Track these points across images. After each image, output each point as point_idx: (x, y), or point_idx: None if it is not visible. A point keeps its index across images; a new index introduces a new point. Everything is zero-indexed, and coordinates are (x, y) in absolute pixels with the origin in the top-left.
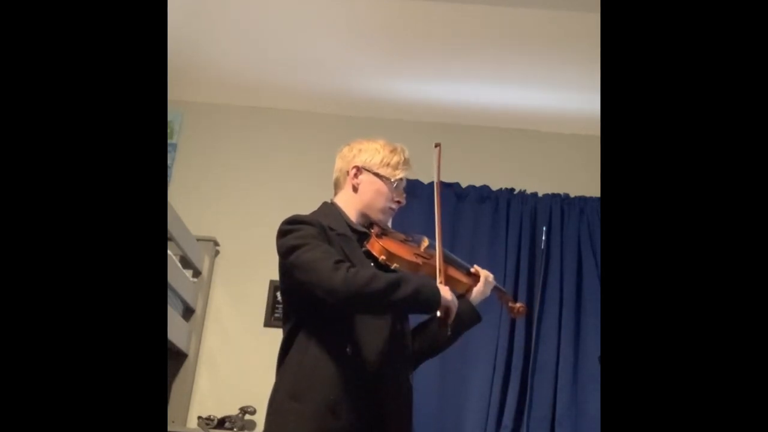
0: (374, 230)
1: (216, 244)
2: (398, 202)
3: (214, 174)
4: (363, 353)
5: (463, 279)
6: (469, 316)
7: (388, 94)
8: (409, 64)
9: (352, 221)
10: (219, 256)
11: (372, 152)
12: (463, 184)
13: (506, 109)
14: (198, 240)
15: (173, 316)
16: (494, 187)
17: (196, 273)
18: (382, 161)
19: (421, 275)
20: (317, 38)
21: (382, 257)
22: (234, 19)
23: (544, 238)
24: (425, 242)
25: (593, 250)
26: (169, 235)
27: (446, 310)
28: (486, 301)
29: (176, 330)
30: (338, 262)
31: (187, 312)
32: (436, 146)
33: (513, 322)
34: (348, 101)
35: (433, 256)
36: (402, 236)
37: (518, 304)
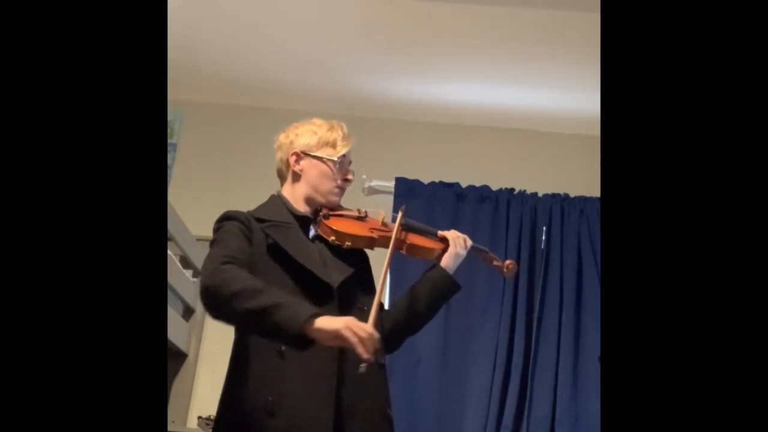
0: (322, 212)
1: None
2: (346, 179)
3: (214, 174)
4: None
5: (433, 245)
6: (444, 285)
7: (388, 94)
8: (409, 64)
9: (295, 209)
10: None
11: (309, 135)
12: (463, 184)
13: (506, 109)
14: (198, 240)
15: (173, 316)
16: (494, 187)
17: (196, 273)
18: (320, 141)
19: (378, 248)
20: (317, 38)
21: (332, 238)
22: (234, 19)
23: (544, 238)
24: (382, 214)
25: (593, 250)
26: (169, 235)
27: (346, 344)
28: (485, 301)
29: (176, 330)
30: (225, 257)
31: (187, 312)
32: (400, 210)
33: (513, 323)
34: (348, 101)
35: (391, 228)
36: (355, 213)
37: (507, 262)
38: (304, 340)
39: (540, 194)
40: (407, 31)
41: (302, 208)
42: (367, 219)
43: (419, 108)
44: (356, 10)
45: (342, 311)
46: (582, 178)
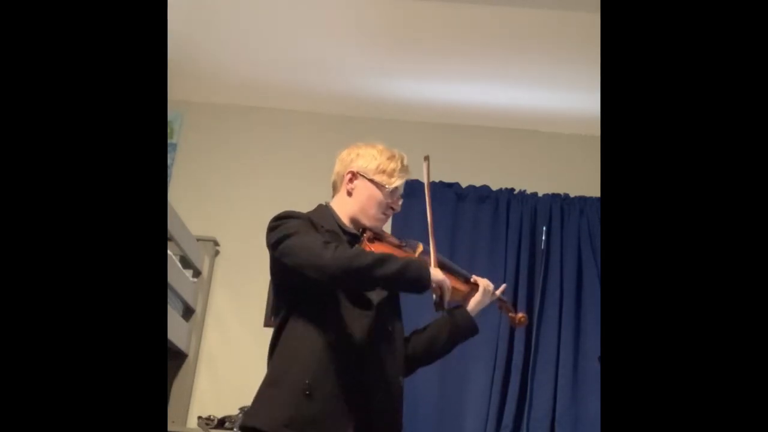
0: (366, 234)
1: (216, 244)
2: (392, 208)
3: (214, 174)
4: (344, 340)
5: (461, 287)
6: (465, 327)
7: (388, 94)
8: (409, 64)
9: (343, 223)
10: (219, 256)
11: (369, 158)
12: (463, 184)
13: (506, 109)
14: (198, 240)
15: (173, 316)
16: (494, 187)
17: (196, 273)
18: (378, 168)
19: None
20: (317, 38)
21: None
22: (234, 19)
23: (544, 238)
24: (420, 248)
25: (593, 250)
26: (169, 235)
27: (440, 290)
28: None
29: (176, 330)
30: (326, 242)
31: (187, 312)
32: (425, 159)
33: None
34: (348, 101)
35: (427, 262)
36: (396, 241)
37: (519, 314)
38: (426, 287)
39: (540, 194)
40: (407, 31)
41: (348, 224)
42: (407, 249)
43: (419, 108)
44: (356, 10)
45: (379, 323)
46: (582, 178)
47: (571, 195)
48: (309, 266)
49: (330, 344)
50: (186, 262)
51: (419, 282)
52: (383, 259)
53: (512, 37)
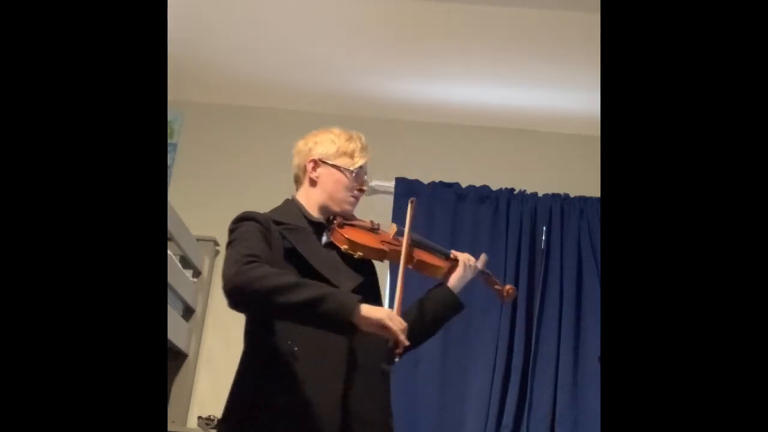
0: (336, 221)
1: (216, 244)
2: (360, 190)
3: (214, 174)
4: (315, 350)
5: (439, 263)
6: (448, 304)
7: (388, 94)
8: (409, 64)
9: (310, 215)
10: (219, 256)
11: (327, 143)
12: (463, 184)
13: (506, 109)
14: (198, 240)
15: (173, 316)
16: (494, 187)
17: (196, 273)
18: (338, 151)
19: (387, 260)
20: (317, 38)
21: (344, 246)
22: (234, 19)
23: (544, 238)
24: (393, 228)
25: (593, 250)
26: (169, 235)
27: (391, 334)
28: (485, 301)
29: (176, 330)
30: (247, 256)
31: (187, 312)
32: (410, 202)
33: (513, 323)
34: (348, 101)
35: (401, 242)
36: (368, 224)
37: (507, 287)
38: (350, 327)
39: (540, 194)
40: (407, 31)
41: (316, 214)
42: (380, 231)
43: (419, 108)
44: (356, 10)
45: None
46: (582, 178)
47: (571, 195)
48: (222, 280)
49: (299, 355)
50: (186, 262)
51: (336, 317)
52: (296, 286)
53: (512, 37)
